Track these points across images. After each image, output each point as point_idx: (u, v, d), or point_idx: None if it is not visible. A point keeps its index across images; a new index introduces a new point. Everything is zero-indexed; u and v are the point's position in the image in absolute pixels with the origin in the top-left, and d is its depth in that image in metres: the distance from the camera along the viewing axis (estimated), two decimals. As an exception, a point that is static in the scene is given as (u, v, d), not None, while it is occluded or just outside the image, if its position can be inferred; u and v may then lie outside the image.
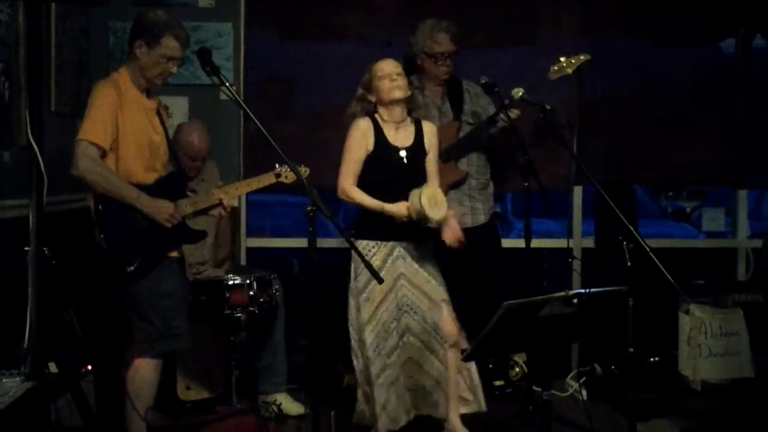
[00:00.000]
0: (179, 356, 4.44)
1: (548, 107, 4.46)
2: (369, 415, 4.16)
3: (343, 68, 5.32)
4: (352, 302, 4.22)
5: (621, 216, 3.93)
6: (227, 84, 3.48)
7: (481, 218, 4.98)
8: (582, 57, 4.66)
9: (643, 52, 5.64)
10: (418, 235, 4.18)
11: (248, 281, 4.54)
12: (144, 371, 3.87)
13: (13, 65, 3.90)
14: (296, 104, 5.53)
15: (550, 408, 3.43)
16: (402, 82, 4.19)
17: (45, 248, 3.57)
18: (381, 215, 4.09)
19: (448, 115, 4.94)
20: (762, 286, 4.92)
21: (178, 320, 3.90)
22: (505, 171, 5.24)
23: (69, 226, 4.17)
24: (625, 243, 4.30)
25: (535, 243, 5.25)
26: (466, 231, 4.91)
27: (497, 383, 5.14)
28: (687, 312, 4.34)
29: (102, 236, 3.73)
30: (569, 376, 5.29)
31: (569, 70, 4.67)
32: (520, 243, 5.00)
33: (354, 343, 4.21)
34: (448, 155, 4.81)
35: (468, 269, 5.08)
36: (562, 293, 3.28)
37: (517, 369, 5.24)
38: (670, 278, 3.85)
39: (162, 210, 3.80)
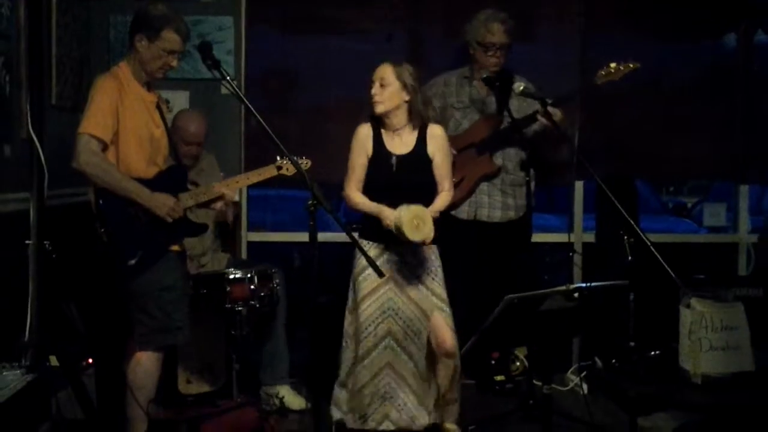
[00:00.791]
0: (180, 350, 4.44)
1: (549, 101, 4.44)
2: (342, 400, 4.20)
3: (344, 62, 5.33)
4: (350, 286, 4.23)
5: (622, 210, 3.93)
6: (228, 78, 3.48)
7: (511, 214, 4.95)
8: (632, 65, 4.62)
9: (644, 47, 5.61)
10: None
11: (249, 275, 4.54)
12: (145, 364, 3.88)
13: (14, 59, 3.90)
14: (297, 98, 5.53)
15: (551, 402, 3.45)
16: (383, 95, 4.07)
17: (46, 242, 3.58)
18: (377, 218, 4.07)
19: (491, 108, 4.92)
20: (763, 280, 4.92)
21: (179, 314, 3.90)
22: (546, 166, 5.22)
23: (70, 220, 4.18)
24: (626, 237, 4.30)
25: (537, 237, 5.27)
26: (495, 226, 4.93)
27: (498, 378, 5.15)
28: (688, 306, 4.32)
29: (103, 230, 3.74)
30: (570, 370, 5.30)
31: (617, 77, 4.63)
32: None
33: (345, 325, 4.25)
34: (482, 147, 4.82)
35: (491, 264, 5.08)
36: (563, 287, 3.30)
37: (518, 363, 5.24)
38: (671, 272, 3.84)
39: (163, 204, 3.80)
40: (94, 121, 3.70)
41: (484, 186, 4.89)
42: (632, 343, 4.29)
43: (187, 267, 4.28)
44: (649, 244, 3.87)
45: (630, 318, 4.31)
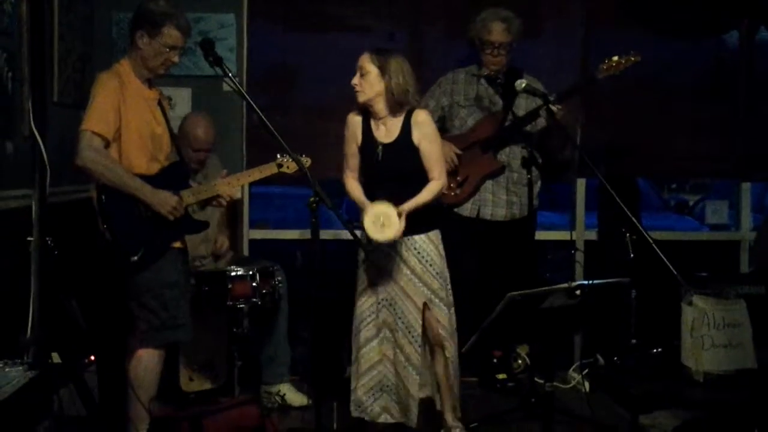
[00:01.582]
0: (182, 347, 4.44)
1: (551, 98, 4.43)
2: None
3: (346, 60, 5.29)
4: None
5: (624, 208, 3.93)
6: (230, 75, 3.48)
7: (515, 213, 4.92)
8: (633, 58, 4.60)
9: (646, 45, 5.59)
10: (406, 231, 4.02)
11: (251, 272, 4.53)
12: (147, 362, 3.88)
13: (16, 55, 3.89)
14: (299, 95, 5.52)
15: (553, 400, 3.45)
16: (363, 84, 4.04)
17: (48, 238, 3.58)
18: None
19: (497, 106, 4.91)
20: (765, 278, 4.92)
21: (181, 311, 3.91)
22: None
23: (72, 217, 4.18)
24: (628, 235, 4.30)
25: (539, 235, 5.27)
26: (499, 225, 4.92)
27: (500, 377, 5.15)
28: (690, 303, 4.34)
29: (105, 227, 3.74)
30: (572, 368, 5.30)
31: (618, 70, 4.62)
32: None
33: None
34: (486, 145, 4.81)
35: (495, 263, 5.08)
36: (565, 285, 3.29)
37: (520, 361, 5.25)
38: (673, 269, 3.85)
39: (165, 201, 3.80)
40: (96, 118, 3.70)
41: (488, 184, 4.87)
42: (634, 341, 4.30)
43: (189, 264, 4.28)
44: (651, 241, 3.87)
45: (632, 316, 4.31)
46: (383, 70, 4.01)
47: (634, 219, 4.04)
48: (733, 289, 4.53)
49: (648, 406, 4.22)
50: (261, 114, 3.46)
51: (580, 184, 5.64)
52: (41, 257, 3.55)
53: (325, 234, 5.16)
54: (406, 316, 4.10)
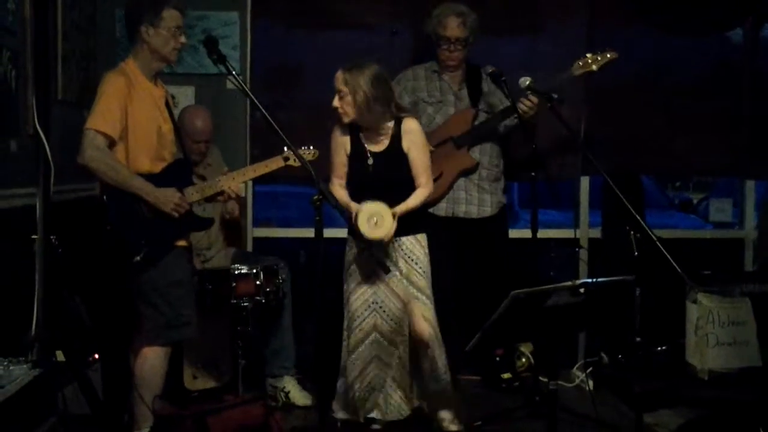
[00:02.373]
0: (186, 346, 4.44)
1: (555, 96, 4.42)
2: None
3: (350, 57, 5.28)
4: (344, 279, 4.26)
5: (628, 205, 3.92)
6: (234, 73, 3.48)
7: (488, 210, 4.94)
8: (609, 55, 4.61)
9: (650, 42, 5.61)
10: (395, 233, 4.04)
11: (255, 271, 4.54)
12: (152, 360, 3.88)
13: (20, 54, 3.89)
14: (302, 93, 5.51)
15: (557, 398, 3.44)
16: (343, 106, 4.02)
17: (52, 237, 3.58)
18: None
19: (464, 101, 4.90)
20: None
21: (186, 309, 3.91)
22: (514, 162, 5.21)
23: (76, 215, 4.18)
24: (632, 233, 4.29)
25: (542, 233, 5.25)
26: (472, 222, 4.92)
27: (505, 376, 5.14)
28: (694, 301, 4.33)
29: (109, 225, 3.74)
30: (576, 367, 5.30)
31: (594, 67, 4.62)
32: (527, 233, 4.98)
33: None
34: (460, 142, 4.80)
35: (471, 261, 5.09)
36: (569, 283, 3.29)
37: (524, 360, 5.24)
38: (677, 267, 3.83)
39: (168, 199, 3.80)
40: (101, 117, 3.70)
41: (461, 182, 4.86)
42: (638, 339, 4.29)
43: (193, 262, 4.28)
44: (655, 239, 3.86)
45: (636, 314, 4.30)
46: (354, 91, 3.98)
47: (638, 217, 4.02)
48: (737, 287, 4.53)
49: (652, 404, 4.22)
50: (264, 111, 3.46)
51: (584, 182, 5.63)
52: (45, 255, 3.55)
53: (329, 232, 5.16)
54: (397, 316, 4.12)
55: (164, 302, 3.83)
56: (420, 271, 4.16)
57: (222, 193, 4.04)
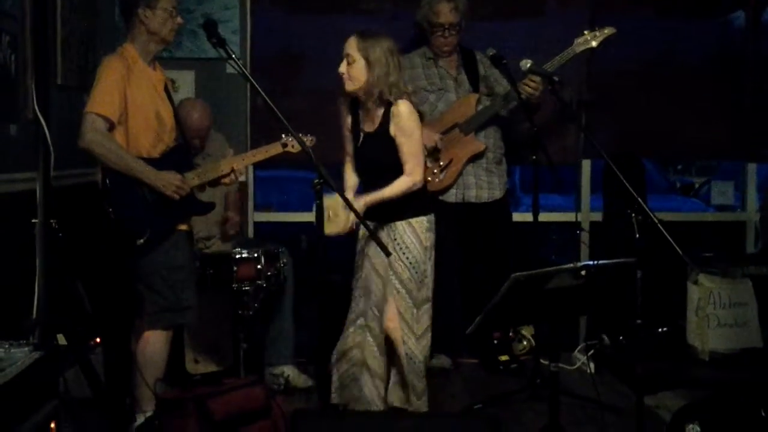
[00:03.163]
0: (187, 329, 4.45)
1: (557, 79, 4.41)
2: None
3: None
4: None
5: (629, 188, 3.91)
6: (233, 57, 3.47)
7: (497, 193, 4.95)
8: (606, 30, 4.62)
9: (652, 25, 5.59)
10: (382, 217, 3.96)
11: (256, 255, 4.53)
12: (154, 344, 3.89)
13: (19, 38, 3.88)
14: (303, 79, 5.50)
15: (558, 380, 3.44)
16: (350, 72, 3.85)
17: (52, 221, 3.59)
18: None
19: (464, 85, 4.91)
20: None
21: (188, 293, 3.92)
22: (514, 144, 5.21)
23: (77, 199, 4.18)
24: (633, 215, 4.29)
25: (543, 217, 5.25)
26: (482, 206, 4.92)
27: (502, 358, 5.15)
28: (696, 282, 4.32)
29: (110, 209, 3.74)
30: (577, 349, 5.31)
31: (594, 43, 4.64)
32: (528, 217, 4.99)
33: None
34: (467, 128, 4.79)
35: (480, 244, 5.09)
36: (571, 265, 3.28)
37: (525, 342, 5.25)
38: (678, 249, 3.83)
39: (169, 181, 3.80)
40: (101, 101, 3.70)
41: (469, 167, 4.87)
42: (639, 321, 4.29)
43: (194, 246, 4.28)
44: (656, 221, 3.86)
45: (637, 296, 4.30)
46: (369, 62, 3.81)
47: (639, 199, 4.02)
48: (739, 269, 4.52)
49: (653, 386, 4.21)
50: (265, 96, 3.45)
51: (586, 165, 5.63)
52: (46, 239, 3.55)
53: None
54: (381, 305, 3.98)
55: (165, 286, 3.84)
56: (406, 262, 3.93)
57: (223, 176, 4.03)
